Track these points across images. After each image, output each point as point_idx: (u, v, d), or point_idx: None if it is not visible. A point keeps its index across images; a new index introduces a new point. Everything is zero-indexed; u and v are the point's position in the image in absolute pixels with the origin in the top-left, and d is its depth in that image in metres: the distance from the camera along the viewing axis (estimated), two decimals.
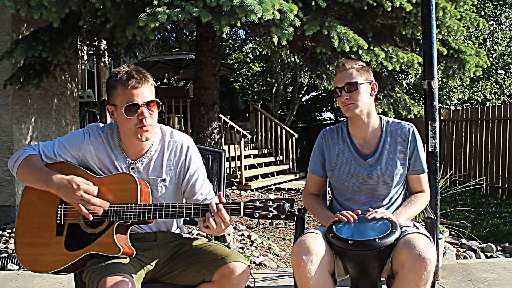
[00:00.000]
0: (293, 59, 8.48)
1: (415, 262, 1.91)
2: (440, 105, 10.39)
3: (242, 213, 1.86)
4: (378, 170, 2.27)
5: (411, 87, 11.02)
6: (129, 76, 1.95)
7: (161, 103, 2.05)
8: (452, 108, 11.02)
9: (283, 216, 1.84)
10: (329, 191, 2.55)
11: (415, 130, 2.32)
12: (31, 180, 2.01)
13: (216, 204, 1.87)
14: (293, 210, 1.84)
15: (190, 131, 7.03)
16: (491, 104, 10.54)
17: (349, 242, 1.99)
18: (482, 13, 11.22)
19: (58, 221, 1.98)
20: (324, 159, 2.39)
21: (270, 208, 1.84)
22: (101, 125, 2.14)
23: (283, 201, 1.84)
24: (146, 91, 1.97)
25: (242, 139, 9.61)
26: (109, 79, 2.02)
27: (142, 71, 2.01)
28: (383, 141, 2.30)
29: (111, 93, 2.00)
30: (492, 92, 11.30)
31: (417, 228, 2.17)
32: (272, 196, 1.90)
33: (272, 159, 10.90)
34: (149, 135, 2.00)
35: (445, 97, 11.00)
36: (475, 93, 11.21)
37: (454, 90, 10.85)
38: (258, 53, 10.06)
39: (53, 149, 2.06)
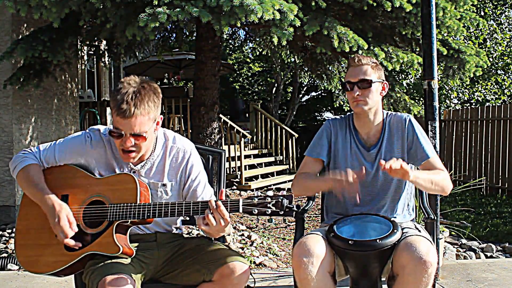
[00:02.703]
0: (293, 59, 8.48)
1: (416, 265, 1.91)
2: (440, 105, 10.39)
3: (241, 210, 1.86)
4: (378, 160, 2.27)
5: (411, 87, 11.02)
6: (122, 103, 1.87)
7: (158, 121, 2.00)
8: (452, 107, 11.02)
9: (281, 212, 1.84)
10: None
11: (412, 119, 2.30)
12: (26, 192, 2.04)
13: (215, 200, 1.87)
14: (292, 206, 1.84)
15: (190, 131, 7.03)
16: (491, 104, 10.54)
17: (349, 242, 1.99)
18: (482, 13, 11.23)
19: None
20: (330, 146, 2.37)
21: (268, 205, 1.84)
22: (103, 127, 2.13)
23: (281, 197, 1.84)
24: (136, 122, 1.90)
25: (242, 139, 9.61)
26: (113, 90, 2.00)
27: (142, 95, 1.90)
28: (383, 133, 2.31)
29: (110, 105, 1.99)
30: (492, 92, 11.31)
31: (419, 230, 2.16)
32: (270, 193, 1.89)
33: (272, 159, 10.90)
34: (133, 161, 2.00)
35: (445, 97, 11.00)
36: (475, 93, 11.21)
37: (454, 90, 10.85)
38: (258, 53, 10.07)
39: (53, 155, 2.06)
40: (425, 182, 2.11)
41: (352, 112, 2.38)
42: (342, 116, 2.44)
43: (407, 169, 1.97)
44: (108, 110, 8.00)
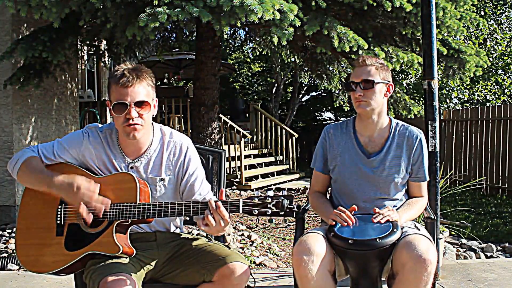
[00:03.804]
0: (293, 59, 8.47)
1: (415, 263, 1.91)
2: (440, 105, 10.39)
3: (241, 210, 1.85)
4: (380, 170, 2.26)
5: (411, 87, 11.03)
6: (123, 75, 1.96)
7: (154, 104, 2.04)
8: (452, 107, 11.02)
9: (282, 213, 1.83)
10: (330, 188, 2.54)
11: (423, 138, 2.32)
12: (32, 182, 2.02)
13: (215, 201, 1.87)
14: (292, 206, 1.83)
15: (190, 131, 7.03)
16: (491, 104, 10.55)
17: (350, 241, 1.99)
18: (482, 13, 11.23)
19: (58, 222, 1.99)
20: (327, 156, 2.37)
21: (269, 205, 1.84)
22: (100, 125, 2.14)
23: (282, 198, 1.84)
24: (138, 91, 1.96)
25: (242, 139, 9.61)
26: (110, 75, 2.05)
27: (139, 70, 2.00)
28: (389, 143, 2.29)
29: (108, 89, 2.03)
30: (492, 92, 11.31)
31: (418, 229, 2.17)
32: (271, 193, 1.89)
33: (272, 159, 10.90)
34: (137, 134, 2.00)
35: (445, 97, 11.00)
36: (475, 93, 11.21)
37: (454, 90, 10.85)
38: (258, 53, 10.06)
39: (52, 150, 2.07)
40: (407, 220, 2.24)
41: (355, 115, 2.37)
42: (342, 120, 2.44)
43: (396, 218, 2.11)
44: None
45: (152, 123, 2.13)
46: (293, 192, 8.31)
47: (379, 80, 2.23)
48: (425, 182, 2.35)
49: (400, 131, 2.31)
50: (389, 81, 2.28)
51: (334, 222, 2.12)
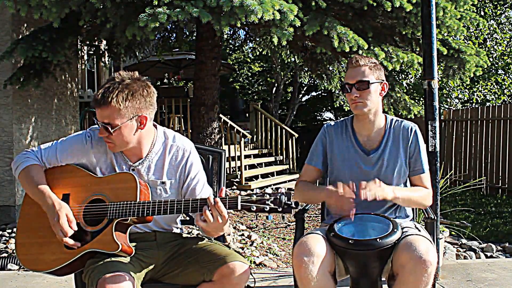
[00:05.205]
0: (293, 59, 8.48)
1: (416, 264, 1.91)
2: (440, 105, 10.39)
3: (239, 207, 1.85)
4: (379, 166, 2.27)
5: (411, 87, 11.03)
6: (98, 91, 1.95)
7: (142, 120, 1.99)
8: (452, 108, 11.02)
9: (280, 209, 1.84)
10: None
11: (418, 130, 2.32)
12: (27, 191, 2.05)
13: (214, 197, 1.88)
14: (290, 202, 1.84)
15: (190, 131, 7.03)
16: (491, 104, 10.55)
17: (350, 241, 1.99)
18: (482, 13, 11.23)
19: None
20: (325, 152, 2.38)
21: (267, 202, 1.84)
22: None
23: (280, 194, 1.85)
24: (105, 114, 1.93)
25: (242, 139, 9.60)
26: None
27: (117, 90, 1.92)
28: (386, 139, 2.31)
29: None
30: (492, 92, 11.31)
31: (418, 229, 2.17)
32: (269, 191, 1.90)
33: (272, 159, 10.90)
34: (114, 149, 2.02)
35: (445, 97, 11.01)
36: (475, 93, 11.22)
37: (454, 90, 10.86)
38: (258, 53, 10.07)
39: (55, 155, 2.08)
40: (404, 201, 2.21)
41: (352, 115, 2.38)
42: (340, 119, 2.44)
43: (384, 195, 2.07)
44: None
45: (155, 126, 2.14)
46: (292, 192, 8.30)
47: (374, 80, 2.24)
48: (425, 175, 2.32)
49: (395, 126, 2.33)
50: (383, 80, 2.29)
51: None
